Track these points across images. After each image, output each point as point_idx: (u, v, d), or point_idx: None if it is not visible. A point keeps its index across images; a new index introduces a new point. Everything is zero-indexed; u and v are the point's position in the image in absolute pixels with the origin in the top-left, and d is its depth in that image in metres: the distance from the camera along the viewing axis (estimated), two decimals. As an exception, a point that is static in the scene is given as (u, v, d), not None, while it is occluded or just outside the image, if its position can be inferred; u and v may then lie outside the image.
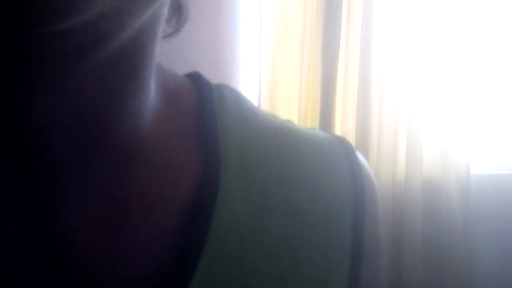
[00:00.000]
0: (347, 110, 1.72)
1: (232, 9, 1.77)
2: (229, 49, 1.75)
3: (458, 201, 1.66)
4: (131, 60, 0.26)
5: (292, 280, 0.30)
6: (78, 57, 0.23)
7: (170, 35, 0.33)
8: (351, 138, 1.70)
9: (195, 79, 0.34)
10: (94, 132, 0.26)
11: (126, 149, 0.28)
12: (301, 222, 0.31)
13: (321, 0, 1.72)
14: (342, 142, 0.36)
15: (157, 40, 0.28)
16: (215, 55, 1.69)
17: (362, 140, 1.69)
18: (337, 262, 0.32)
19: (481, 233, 1.67)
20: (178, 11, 0.32)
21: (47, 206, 0.26)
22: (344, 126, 1.72)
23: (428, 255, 1.64)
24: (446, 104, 1.66)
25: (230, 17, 1.76)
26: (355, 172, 0.35)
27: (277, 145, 0.33)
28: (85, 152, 0.26)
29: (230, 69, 1.75)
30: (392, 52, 1.67)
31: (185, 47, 1.55)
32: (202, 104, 0.32)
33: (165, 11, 0.28)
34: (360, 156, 0.36)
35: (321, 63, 1.71)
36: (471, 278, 1.64)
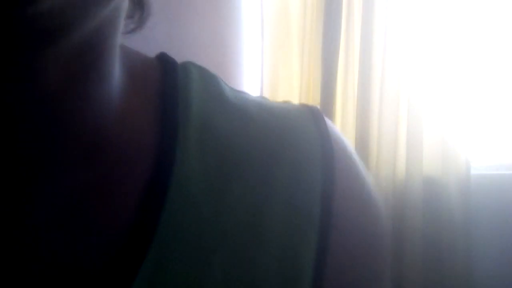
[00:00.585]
0: (347, 110, 1.72)
1: (234, 10, 1.77)
2: (230, 49, 1.75)
3: (458, 201, 1.66)
4: (93, 51, 0.26)
5: (256, 254, 0.29)
6: (43, 43, 0.23)
7: (132, 30, 0.33)
8: (351, 138, 1.70)
9: (161, 59, 0.34)
10: (58, 121, 0.26)
11: (93, 137, 0.28)
12: (265, 194, 0.31)
13: (321, 0, 1.72)
14: (311, 110, 0.35)
15: (118, 33, 0.28)
16: (216, 55, 1.69)
17: (362, 140, 1.69)
18: (305, 231, 0.31)
19: (481, 233, 1.67)
20: (140, 7, 0.32)
21: (9, 194, 0.26)
22: (344, 126, 1.72)
23: (428, 254, 1.64)
24: (446, 103, 1.66)
25: (231, 18, 1.76)
26: (324, 139, 0.34)
27: (241, 119, 0.33)
28: (50, 141, 0.26)
29: (232, 69, 1.75)
30: (392, 52, 1.67)
31: (187, 47, 1.55)
32: (165, 84, 0.32)
33: (125, 5, 0.29)
34: (330, 123, 0.35)
35: (321, 63, 1.71)
36: (471, 277, 1.64)
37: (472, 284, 1.64)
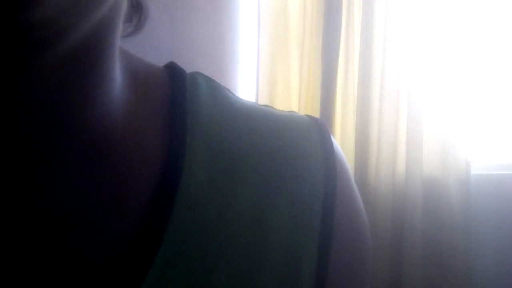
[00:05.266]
0: (347, 110, 1.72)
1: (231, 9, 1.77)
2: (227, 49, 1.75)
3: (458, 201, 1.66)
4: (91, 51, 0.26)
5: (259, 259, 0.30)
6: (40, 50, 0.23)
7: (131, 34, 0.33)
8: (351, 138, 1.71)
9: (169, 68, 0.35)
10: (59, 123, 0.26)
11: (95, 138, 0.28)
12: (270, 200, 0.32)
13: (321, 0, 1.72)
14: (316, 122, 0.36)
15: (118, 32, 0.29)
16: (214, 54, 1.69)
17: (362, 140, 1.69)
18: (305, 239, 0.32)
19: (481, 233, 1.67)
20: (139, 10, 0.33)
21: (12, 194, 0.26)
22: (344, 126, 1.72)
23: (428, 254, 1.64)
24: (446, 103, 1.67)
25: (229, 17, 1.76)
26: (328, 151, 0.35)
27: (248, 127, 0.34)
28: (52, 140, 0.26)
29: (229, 69, 1.76)
30: (392, 52, 1.67)
31: (183, 46, 1.55)
32: (173, 91, 0.33)
33: (123, 5, 0.29)
34: (333, 138, 0.36)
35: (321, 63, 1.71)
36: (471, 277, 1.64)
37: (472, 284, 1.64)
